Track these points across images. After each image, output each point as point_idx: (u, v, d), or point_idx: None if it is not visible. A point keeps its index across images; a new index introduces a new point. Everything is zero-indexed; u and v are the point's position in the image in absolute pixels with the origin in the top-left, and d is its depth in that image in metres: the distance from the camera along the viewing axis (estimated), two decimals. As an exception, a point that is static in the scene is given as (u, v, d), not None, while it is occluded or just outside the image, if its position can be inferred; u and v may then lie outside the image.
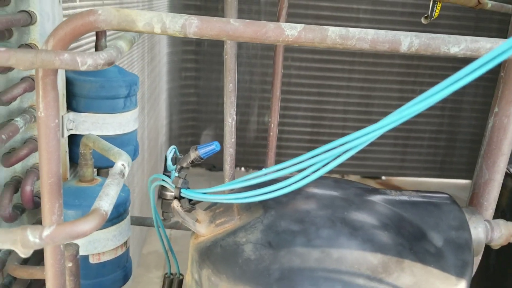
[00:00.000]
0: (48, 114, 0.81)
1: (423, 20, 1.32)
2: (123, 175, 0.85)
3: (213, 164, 4.89)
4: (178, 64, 4.60)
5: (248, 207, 0.94)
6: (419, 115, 4.74)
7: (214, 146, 0.92)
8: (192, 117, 4.86)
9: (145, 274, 2.93)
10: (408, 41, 0.84)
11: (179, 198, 0.92)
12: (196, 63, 4.71)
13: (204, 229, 0.92)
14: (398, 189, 4.41)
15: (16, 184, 1.18)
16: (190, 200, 0.92)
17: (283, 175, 0.75)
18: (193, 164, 0.94)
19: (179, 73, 4.65)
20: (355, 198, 0.93)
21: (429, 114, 4.92)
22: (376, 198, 0.95)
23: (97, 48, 1.30)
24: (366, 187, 1.02)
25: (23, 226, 0.66)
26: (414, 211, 0.94)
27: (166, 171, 1.36)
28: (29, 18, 1.08)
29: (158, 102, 3.86)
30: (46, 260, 0.90)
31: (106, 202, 0.72)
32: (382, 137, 5.24)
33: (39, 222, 1.25)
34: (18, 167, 1.20)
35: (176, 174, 0.94)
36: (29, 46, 1.10)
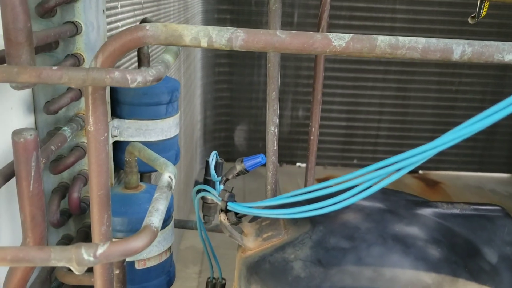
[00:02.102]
0: (97, 128, 0.82)
1: (470, 20, 1.28)
2: (171, 187, 0.85)
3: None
4: (211, 59, 4.62)
5: (294, 221, 0.93)
6: (458, 107, 4.62)
7: (260, 159, 0.91)
8: (226, 113, 4.88)
9: (183, 269, 2.97)
10: (460, 50, 0.81)
11: (226, 211, 0.93)
12: (229, 58, 4.71)
13: (252, 243, 0.92)
14: (434, 183, 4.31)
15: (63, 190, 1.21)
16: (236, 213, 0.92)
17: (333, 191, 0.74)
18: (238, 175, 0.94)
19: (212, 68, 4.67)
20: (405, 211, 0.91)
21: (468, 106, 4.80)
22: (427, 211, 0.93)
23: (139, 55, 1.31)
24: (415, 199, 0.99)
25: (77, 244, 0.68)
26: (466, 225, 0.91)
27: (207, 175, 1.37)
28: (75, 29, 1.09)
29: (193, 99, 3.89)
30: (95, 268, 0.92)
31: (156, 218, 0.73)
32: (420, 130, 5.13)
33: (85, 226, 1.28)
34: (65, 174, 1.22)
35: (222, 186, 0.94)
36: (74, 56, 1.12)
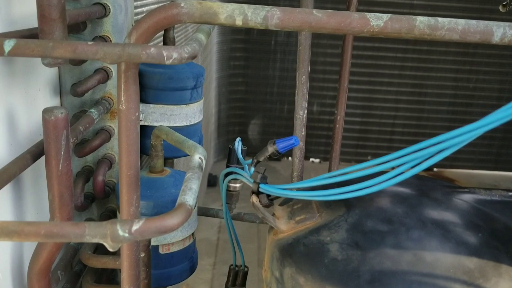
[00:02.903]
0: (129, 107, 0.82)
1: (501, 8, 1.25)
2: (202, 168, 0.84)
3: (261, 153, 4.90)
4: (227, 53, 4.61)
5: (328, 205, 0.92)
6: (474, 104, 4.57)
7: (293, 141, 0.90)
8: (240, 106, 4.86)
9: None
10: (501, 32, 0.79)
11: (258, 193, 0.91)
12: (245, 52, 4.70)
13: (284, 226, 0.91)
14: (450, 181, 4.29)
15: (87, 174, 1.21)
16: (268, 196, 0.91)
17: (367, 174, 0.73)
18: (270, 158, 0.92)
19: (228, 62, 4.65)
20: (444, 197, 0.90)
21: (484, 103, 4.74)
22: (465, 197, 0.91)
23: (165, 39, 1.30)
24: (452, 185, 0.98)
25: (112, 220, 0.67)
26: (505, 211, 0.89)
27: (230, 163, 1.35)
28: (103, 10, 1.09)
29: (209, 92, 3.89)
30: (122, 250, 0.91)
31: (190, 197, 0.72)
32: (436, 127, 5.08)
33: (108, 211, 1.28)
34: (89, 157, 1.22)
35: (253, 169, 0.93)
36: (102, 38, 1.11)
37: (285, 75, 4.70)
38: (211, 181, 3.89)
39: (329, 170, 1.39)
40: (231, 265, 1.23)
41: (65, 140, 0.87)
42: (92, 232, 0.66)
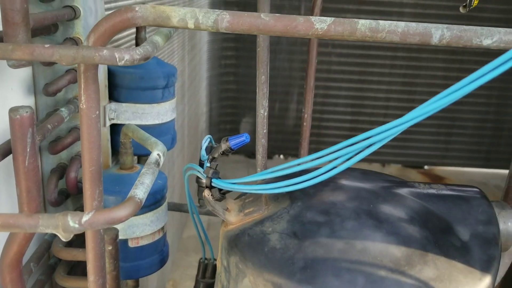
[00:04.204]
0: (89, 106, 0.86)
1: (461, 9, 1.30)
2: (158, 164, 0.89)
3: (252, 152, 4.94)
4: (218, 52, 4.65)
5: (276, 198, 0.96)
6: (464, 102, 4.61)
7: (244, 138, 0.95)
8: (232, 105, 4.91)
9: (184, 258, 3.01)
10: (439, 34, 0.84)
11: (210, 187, 0.96)
12: (235, 51, 4.74)
13: (234, 218, 0.95)
14: (439, 179, 4.30)
15: (61, 170, 1.25)
16: (220, 190, 0.96)
17: (310, 167, 0.77)
18: (224, 154, 0.97)
19: (219, 61, 4.70)
20: (382, 190, 0.94)
21: (474, 101, 4.78)
22: (404, 191, 0.95)
23: (137, 40, 1.34)
24: (394, 179, 1.02)
25: (64, 212, 0.71)
26: (442, 204, 0.94)
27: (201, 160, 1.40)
28: (73, 13, 1.13)
29: (199, 90, 3.93)
30: (87, 243, 0.95)
31: (141, 191, 0.76)
32: (425, 125, 5.14)
33: (82, 206, 1.32)
34: (63, 155, 1.26)
35: (208, 164, 0.98)
36: (73, 39, 1.16)
37: (276, 74, 4.75)
38: (199, 180, 3.93)
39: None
40: (201, 258, 1.28)
41: (30, 137, 0.91)
42: (45, 223, 0.71)
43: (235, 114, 4.96)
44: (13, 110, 0.89)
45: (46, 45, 0.76)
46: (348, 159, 0.71)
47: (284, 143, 4.95)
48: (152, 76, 1.28)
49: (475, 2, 1.26)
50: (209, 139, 1.22)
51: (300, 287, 0.77)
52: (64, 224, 0.70)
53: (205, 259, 1.28)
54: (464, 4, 1.27)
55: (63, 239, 0.71)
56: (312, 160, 0.77)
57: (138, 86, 1.27)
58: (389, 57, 4.73)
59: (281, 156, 5.11)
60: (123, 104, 1.29)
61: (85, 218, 0.70)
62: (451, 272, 0.82)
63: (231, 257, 0.89)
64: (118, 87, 1.29)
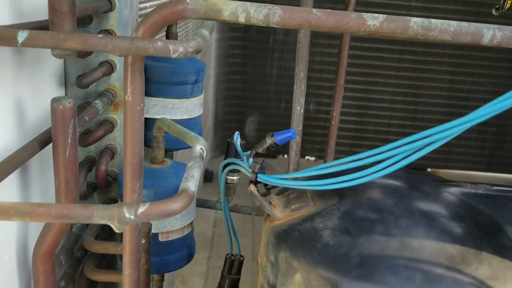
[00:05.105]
0: (135, 98, 0.85)
1: (494, 12, 1.30)
2: (203, 158, 0.88)
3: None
4: (225, 50, 4.64)
5: (321, 194, 0.96)
6: (469, 106, 4.62)
7: (291, 134, 0.94)
8: (237, 103, 4.90)
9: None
10: (490, 34, 0.83)
11: (256, 182, 0.95)
12: (243, 49, 4.73)
13: (280, 214, 0.95)
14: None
15: (90, 163, 1.24)
16: (266, 185, 0.95)
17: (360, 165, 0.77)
18: (268, 150, 0.96)
19: (226, 59, 4.69)
20: (431, 189, 0.94)
21: (479, 105, 4.76)
22: (452, 190, 0.95)
23: (167, 34, 1.34)
24: (440, 179, 1.02)
25: (119, 203, 0.71)
26: (490, 204, 0.94)
27: (228, 157, 1.39)
28: (109, 5, 1.12)
29: (206, 88, 3.92)
30: (124, 236, 0.95)
31: (192, 183, 0.76)
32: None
33: (109, 200, 1.31)
34: (92, 147, 1.26)
35: (251, 159, 0.97)
36: (108, 32, 1.15)
37: (282, 74, 4.74)
38: (208, 177, 3.93)
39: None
40: (227, 254, 1.27)
41: (72, 129, 0.91)
42: (100, 214, 0.70)
43: (241, 113, 4.95)
44: (55, 101, 0.88)
45: (99, 35, 0.75)
46: (403, 158, 0.70)
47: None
48: (183, 71, 1.27)
49: (508, 4, 1.26)
50: (238, 135, 1.21)
51: (357, 283, 0.77)
52: (120, 216, 0.69)
53: (232, 255, 1.27)
54: (497, 6, 1.27)
55: (117, 230, 0.71)
56: (367, 157, 0.76)
57: (169, 80, 1.26)
58: (395, 60, 4.73)
59: (285, 156, 5.11)
60: (153, 99, 1.28)
61: (141, 209, 0.69)
62: (506, 271, 0.82)
63: (280, 252, 0.88)
64: (149, 81, 1.28)
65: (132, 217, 0.69)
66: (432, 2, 4.53)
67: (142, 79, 0.85)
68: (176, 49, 0.76)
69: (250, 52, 4.74)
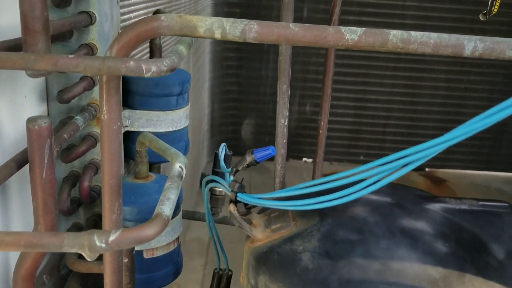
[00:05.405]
0: (111, 117, 0.83)
1: (481, 17, 1.28)
2: (181, 177, 0.86)
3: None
4: (220, 53, 4.62)
5: (303, 214, 0.94)
6: (465, 105, 4.60)
7: (271, 151, 0.92)
8: (234, 106, 4.88)
9: (188, 261, 2.98)
10: (472, 45, 0.82)
11: (235, 202, 0.94)
12: (238, 52, 4.71)
13: (260, 234, 0.93)
14: (441, 181, 4.28)
15: (74, 179, 1.22)
16: (246, 205, 0.93)
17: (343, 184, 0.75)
18: (248, 167, 0.95)
19: (221, 62, 4.67)
20: (414, 206, 0.92)
21: (476, 104, 4.78)
22: (435, 206, 0.93)
23: (151, 46, 1.32)
24: (424, 194, 1.00)
25: (90, 231, 0.69)
26: (473, 221, 0.92)
27: (216, 167, 1.38)
28: (89, 19, 1.10)
29: (202, 92, 3.90)
30: (105, 256, 0.93)
31: (167, 207, 0.74)
32: (425, 127, 5.13)
33: (94, 215, 1.30)
34: (76, 163, 1.24)
35: (232, 178, 0.95)
36: (88, 46, 1.13)
37: (277, 75, 4.72)
38: (204, 181, 3.91)
39: (313, 174, 1.41)
40: (215, 268, 1.25)
41: (48, 149, 0.89)
42: (71, 243, 0.68)
43: (237, 116, 4.93)
44: (31, 121, 0.86)
45: (70, 56, 0.74)
46: (383, 177, 0.69)
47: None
48: (167, 82, 1.26)
49: (495, 9, 1.25)
50: (224, 147, 1.19)
51: (336, 309, 0.75)
52: (90, 244, 0.67)
53: (220, 269, 1.26)
54: (484, 11, 1.25)
55: (89, 259, 0.69)
56: (345, 177, 0.74)
57: (153, 92, 1.25)
58: (392, 60, 4.71)
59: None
60: (137, 111, 1.26)
61: (112, 237, 0.67)
62: (490, 294, 0.80)
63: (259, 276, 0.87)
64: (132, 93, 1.26)
65: (103, 245, 0.68)
66: (428, 1, 4.51)
67: (118, 96, 0.84)
68: (149, 69, 0.74)
69: (245, 54, 4.72)
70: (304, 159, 4.98)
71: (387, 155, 0.73)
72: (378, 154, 4.95)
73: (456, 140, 0.65)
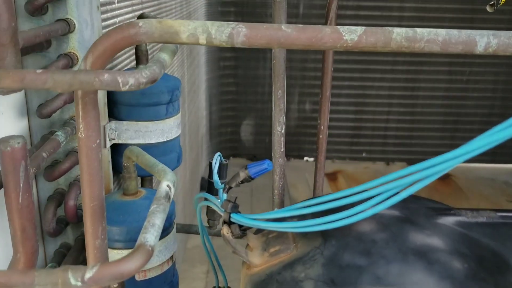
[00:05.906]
0: (88, 135, 0.76)
1: (488, 8, 1.20)
2: (169, 198, 0.79)
3: (254, 154, 4.84)
4: (216, 53, 4.54)
5: (304, 234, 0.86)
6: (469, 97, 4.51)
7: (266, 166, 0.84)
8: (232, 107, 4.80)
9: (190, 269, 2.91)
10: (484, 41, 0.74)
11: (229, 223, 0.86)
12: (234, 51, 4.63)
13: (258, 259, 0.85)
14: (446, 175, 4.17)
15: (59, 197, 1.15)
16: (240, 226, 0.85)
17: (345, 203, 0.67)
18: (242, 183, 0.87)
19: (217, 63, 4.59)
20: (426, 221, 0.84)
21: (479, 96, 4.69)
22: (449, 220, 0.85)
23: (137, 52, 1.24)
24: (436, 206, 0.92)
25: (64, 267, 0.61)
26: (493, 235, 0.84)
27: (211, 178, 1.30)
28: (68, 27, 1.03)
29: (198, 94, 3.82)
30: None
31: (152, 235, 0.66)
32: (430, 121, 5.04)
33: (83, 234, 1.22)
34: (62, 180, 1.16)
35: (225, 195, 0.87)
36: (68, 55, 1.05)
37: (276, 74, 4.64)
38: (204, 185, 3.84)
39: (315, 176, 1.33)
40: (214, 286, 1.18)
41: (24, 171, 0.81)
42: (42, 281, 0.61)
43: (235, 117, 4.85)
44: (3, 142, 0.78)
45: (38, 71, 0.66)
46: (386, 199, 0.61)
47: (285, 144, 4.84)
48: (154, 91, 1.18)
49: (502, 0, 1.17)
50: (219, 157, 1.12)
51: None
52: (64, 282, 0.60)
53: (219, 287, 1.18)
54: (492, 2, 1.17)
55: (65, 298, 0.61)
56: (351, 195, 0.67)
57: (140, 102, 1.17)
58: (390, 62, 4.63)
59: (291, 159, 5.00)
60: (124, 122, 1.19)
61: (89, 274, 0.60)
62: (516, 321, 0.72)
63: (258, 307, 0.79)
64: (118, 104, 1.18)
65: (79, 283, 0.60)
66: (425, 1, 4.42)
67: (96, 111, 0.76)
68: (126, 82, 0.67)
69: (242, 53, 4.64)
70: (305, 158, 4.89)
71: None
72: (380, 150, 4.86)
73: (475, 153, 0.57)
